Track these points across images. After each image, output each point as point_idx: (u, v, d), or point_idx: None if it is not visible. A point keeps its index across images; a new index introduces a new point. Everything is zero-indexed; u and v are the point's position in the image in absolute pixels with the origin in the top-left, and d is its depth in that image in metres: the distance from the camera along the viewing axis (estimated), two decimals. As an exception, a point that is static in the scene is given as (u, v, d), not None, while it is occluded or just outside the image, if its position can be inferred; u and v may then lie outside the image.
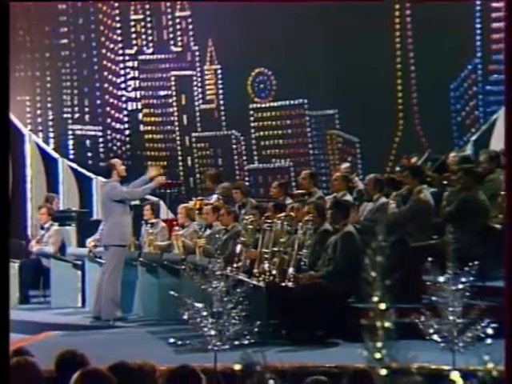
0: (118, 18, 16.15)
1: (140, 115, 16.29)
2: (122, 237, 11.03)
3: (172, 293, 9.47)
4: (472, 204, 9.66)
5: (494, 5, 13.22)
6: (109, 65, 16.31)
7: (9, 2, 3.99)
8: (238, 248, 10.49)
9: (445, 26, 13.23)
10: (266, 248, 10.10)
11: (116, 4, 16.07)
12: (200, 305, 7.36)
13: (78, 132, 16.44)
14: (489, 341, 6.61)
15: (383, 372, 1.93)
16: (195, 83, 15.74)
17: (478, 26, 13.35)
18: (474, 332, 6.73)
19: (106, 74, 16.32)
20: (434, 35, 13.33)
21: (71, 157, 16.31)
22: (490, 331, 6.74)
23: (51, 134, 16.46)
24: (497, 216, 9.84)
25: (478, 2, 13.31)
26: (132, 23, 16.12)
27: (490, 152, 11.06)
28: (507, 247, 2.81)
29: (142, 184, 11.21)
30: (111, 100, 16.38)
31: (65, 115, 16.43)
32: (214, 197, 12.50)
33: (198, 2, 15.35)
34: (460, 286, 6.88)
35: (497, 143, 12.68)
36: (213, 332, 7.23)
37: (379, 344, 1.96)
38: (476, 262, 7.08)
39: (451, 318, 6.81)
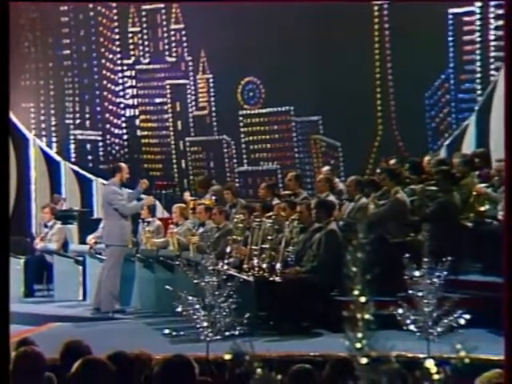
0: (116, 30, 16.13)
1: (137, 121, 16.27)
2: (122, 237, 11.07)
3: (167, 287, 9.50)
4: (449, 205, 9.68)
5: (465, 19, 13.25)
6: (108, 74, 16.29)
7: (9, 1, 3.83)
8: (229, 245, 10.50)
9: (420, 38, 13.24)
10: (255, 245, 10.10)
11: (115, 17, 16.04)
12: (193, 298, 7.36)
13: (79, 137, 16.42)
14: (461, 330, 6.64)
15: (363, 360, 1.94)
16: (189, 91, 15.74)
17: (451, 38, 13.38)
18: (448, 322, 6.75)
19: (105, 82, 16.30)
20: (410, 47, 13.35)
21: (73, 160, 16.28)
22: (462, 321, 6.76)
23: (54, 139, 16.43)
24: (469, 216, 9.88)
25: (451, 17, 13.33)
26: (130, 35, 16.09)
27: (465, 156, 11.08)
28: (507, 247, 2.76)
29: (136, 195, 11.38)
30: (110, 107, 16.36)
31: (67, 121, 16.41)
32: (207, 196, 12.50)
33: (191, 16, 15.32)
34: (435, 280, 6.90)
35: (468, 147, 12.74)
36: (205, 323, 7.24)
37: (360, 334, 1.96)
38: (449, 258, 7.11)
39: (426, 309, 6.83)
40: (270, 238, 9.94)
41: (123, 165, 11.66)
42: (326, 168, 12.74)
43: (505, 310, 2.44)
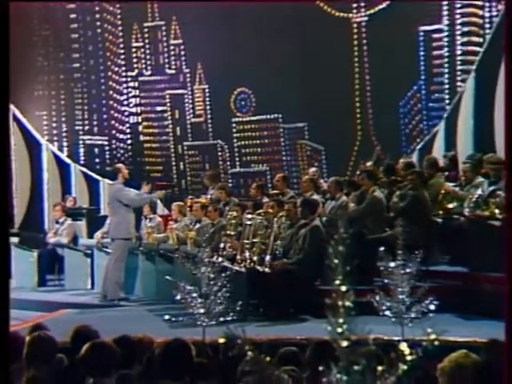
0: (121, 46, 16.10)
1: (140, 127, 16.24)
2: (126, 231, 11.06)
3: (167, 277, 9.50)
4: (419, 202, 9.69)
5: (435, 36, 13.26)
6: (114, 85, 16.26)
7: (9, 2, 3.62)
8: (223, 239, 10.49)
9: (394, 53, 13.27)
10: (247, 239, 10.09)
11: (120, 33, 16.02)
12: (191, 287, 7.35)
13: (88, 142, 16.38)
14: (431, 315, 6.65)
15: (344, 343, 1.93)
16: (186, 100, 15.72)
17: (422, 53, 13.40)
18: (419, 308, 6.76)
19: (111, 92, 16.27)
20: (385, 61, 13.37)
21: (82, 162, 16.24)
22: (432, 307, 6.77)
23: (65, 144, 16.39)
24: (437, 212, 9.88)
25: (422, 34, 13.34)
26: (133, 50, 16.06)
27: (431, 159, 11.12)
28: (507, 246, 2.72)
29: (138, 195, 11.26)
30: (116, 114, 16.33)
31: (76, 127, 16.37)
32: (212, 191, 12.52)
33: (189, 32, 15.30)
34: (408, 271, 6.91)
35: (438, 151, 12.75)
36: (201, 310, 7.22)
37: (340, 320, 1.96)
38: (420, 251, 7.12)
39: (400, 297, 6.84)
40: (260, 233, 9.94)
41: (120, 165, 11.74)
42: (313, 170, 12.72)
43: (505, 307, 2.40)
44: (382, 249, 7.13)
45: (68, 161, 16.18)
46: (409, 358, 1.94)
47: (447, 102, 13.25)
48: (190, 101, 15.67)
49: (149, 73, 16.04)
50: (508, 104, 2.68)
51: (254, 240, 9.91)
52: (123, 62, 16.14)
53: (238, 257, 9.95)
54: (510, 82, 2.74)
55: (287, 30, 14.19)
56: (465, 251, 9.23)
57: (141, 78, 16.07)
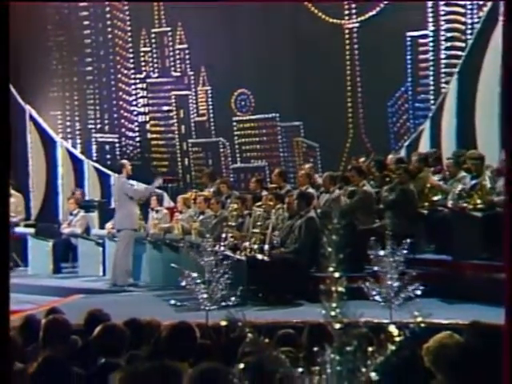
0: (130, 50, 16.07)
1: (148, 126, 16.21)
2: (132, 222, 11.08)
3: (173, 265, 9.49)
4: (407, 195, 9.69)
5: (421, 41, 13.24)
6: (123, 86, 16.22)
7: (9, 2, 3.45)
8: (225, 230, 10.48)
9: (383, 57, 13.25)
10: (247, 230, 10.10)
11: (129, 39, 15.99)
12: (195, 274, 7.34)
13: (100, 139, 16.35)
14: (418, 300, 6.65)
15: (337, 326, 1.93)
16: (191, 101, 15.69)
17: (409, 57, 13.38)
18: (407, 293, 6.76)
19: (121, 93, 16.24)
20: (375, 64, 13.35)
21: (94, 158, 16.22)
22: (418, 292, 6.77)
23: (78, 141, 16.36)
24: (423, 204, 9.88)
25: (409, 39, 13.31)
26: (141, 54, 16.04)
27: (420, 154, 11.12)
28: (507, 245, 2.66)
29: (151, 189, 11.54)
30: (125, 114, 16.30)
31: (89, 126, 16.34)
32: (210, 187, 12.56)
33: (193, 38, 15.28)
34: (396, 258, 6.90)
35: (424, 147, 12.74)
36: (205, 295, 7.22)
37: (334, 304, 1.96)
38: (408, 240, 7.12)
39: (389, 283, 6.83)
40: (259, 224, 9.93)
41: (124, 161, 11.78)
42: (308, 165, 12.70)
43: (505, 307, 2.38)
44: (372, 238, 7.13)
45: (81, 157, 16.15)
46: (397, 339, 1.94)
47: (432, 102, 13.23)
48: (194, 101, 15.65)
49: (156, 75, 16.01)
50: (508, 103, 2.63)
51: (254, 230, 9.91)
52: (132, 65, 16.11)
53: (239, 246, 9.94)
54: (510, 81, 2.68)
55: (284, 36, 14.17)
56: (448, 240, 9.23)
57: (148, 80, 16.04)
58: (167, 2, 15.45)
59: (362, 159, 11.58)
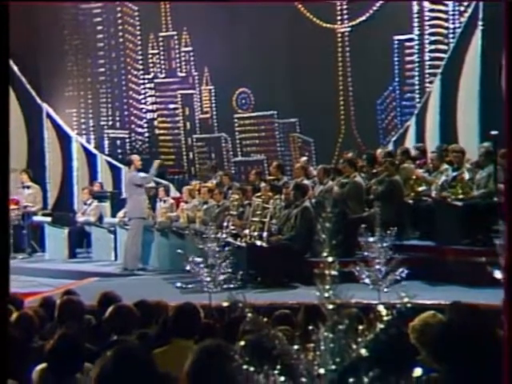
0: (139, 53, 16.04)
1: (155, 122, 16.20)
2: (141, 211, 11.09)
3: (179, 250, 9.49)
4: (394, 186, 9.67)
5: (407, 44, 13.21)
6: (133, 86, 16.20)
7: (9, 2, 3.26)
8: (227, 218, 10.48)
9: (373, 59, 13.22)
10: (247, 218, 10.09)
11: (139, 42, 15.96)
12: (199, 259, 7.35)
13: (111, 135, 16.34)
14: (404, 282, 6.66)
15: (330, 306, 1.93)
16: (195, 99, 15.66)
17: (396, 59, 13.35)
18: (394, 276, 6.77)
19: (131, 92, 16.22)
20: (365, 65, 13.32)
21: (106, 153, 16.21)
22: (404, 275, 6.78)
23: (92, 137, 16.35)
24: (409, 194, 9.87)
25: (396, 42, 13.28)
26: (150, 56, 16.00)
27: (403, 148, 11.16)
28: (507, 244, 2.63)
29: (152, 175, 11.48)
30: (135, 111, 16.29)
31: (101, 123, 16.32)
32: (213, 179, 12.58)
33: (197, 41, 15.24)
34: (384, 245, 6.90)
35: (409, 142, 12.73)
36: (208, 279, 7.23)
37: (327, 286, 1.96)
38: (395, 228, 7.12)
39: (377, 267, 6.84)
40: (258, 213, 9.93)
41: (134, 156, 11.84)
42: (303, 159, 12.70)
43: (505, 306, 2.36)
44: (362, 226, 7.13)
45: (94, 151, 16.14)
46: (385, 318, 1.93)
47: (417, 100, 13.21)
48: (198, 99, 15.62)
49: (163, 76, 15.98)
50: (508, 103, 2.59)
51: (253, 219, 9.90)
52: (141, 67, 16.08)
53: (240, 233, 9.94)
54: (510, 81, 2.64)
55: (282, 40, 14.13)
56: (432, 228, 9.23)
57: (156, 80, 16.02)
58: (174, 2, 15.35)
59: (352, 153, 11.56)
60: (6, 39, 2.70)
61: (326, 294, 1.92)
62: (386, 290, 6.69)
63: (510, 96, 2.59)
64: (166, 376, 3.03)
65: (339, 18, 13.85)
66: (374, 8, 13.34)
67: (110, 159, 16.01)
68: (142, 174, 11.22)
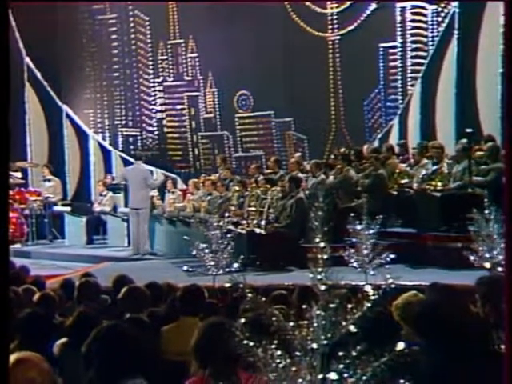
0: (150, 58, 16.01)
1: (164, 121, 16.17)
2: (147, 203, 11.20)
3: (185, 237, 9.50)
4: (380, 179, 9.67)
5: (391, 50, 13.18)
6: (144, 89, 16.16)
7: (9, 2, 3.09)
8: (228, 208, 10.48)
9: (360, 64, 13.19)
10: (249, 206, 10.08)
11: (149, 49, 15.93)
12: (203, 245, 7.36)
13: (125, 133, 16.31)
14: (388, 266, 6.66)
15: (322, 287, 1.93)
16: (200, 100, 15.63)
17: (381, 64, 13.33)
18: (379, 260, 6.77)
19: (142, 95, 16.18)
20: (353, 70, 13.29)
21: (120, 149, 16.19)
22: (389, 259, 6.78)
23: (107, 135, 16.33)
24: (393, 186, 9.87)
25: (381, 49, 13.25)
26: (159, 61, 15.97)
27: (388, 145, 11.16)
28: (508, 244, 2.61)
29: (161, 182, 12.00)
30: (146, 112, 16.26)
31: (116, 122, 16.30)
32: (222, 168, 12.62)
33: (203, 47, 15.19)
34: (371, 232, 6.91)
35: (393, 139, 12.73)
36: (212, 263, 7.24)
37: (320, 269, 1.95)
38: (380, 216, 7.12)
39: (365, 252, 6.85)
40: (257, 203, 9.92)
41: (140, 153, 11.99)
42: (298, 154, 12.70)
43: (505, 306, 2.35)
44: (351, 215, 7.13)
45: (109, 148, 16.12)
46: (371, 297, 1.93)
47: (400, 101, 13.20)
48: (203, 101, 15.59)
49: (171, 79, 15.93)
50: (508, 102, 2.55)
51: (253, 209, 9.91)
52: (151, 71, 16.04)
53: (240, 222, 9.93)
54: (510, 81, 2.60)
55: (278, 47, 14.10)
56: (413, 216, 9.24)
57: (165, 84, 15.97)
58: (180, 6, 15.27)
59: (342, 149, 11.56)
60: (6, 39, 2.62)
61: (319, 276, 1.92)
62: (372, 272, 6.70)
63: (510, 96, 2.55)
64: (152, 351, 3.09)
65: (330, 27, 13.82)
66: (362, 18, 13.34)
67: (123, 155, 15.99)
68: (154, 178, 11.39)
